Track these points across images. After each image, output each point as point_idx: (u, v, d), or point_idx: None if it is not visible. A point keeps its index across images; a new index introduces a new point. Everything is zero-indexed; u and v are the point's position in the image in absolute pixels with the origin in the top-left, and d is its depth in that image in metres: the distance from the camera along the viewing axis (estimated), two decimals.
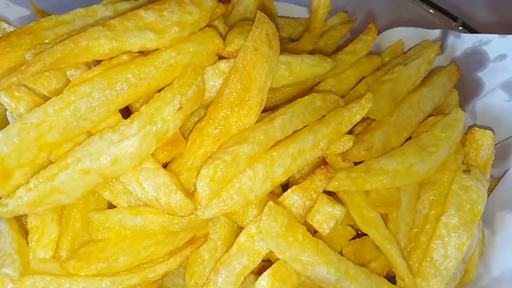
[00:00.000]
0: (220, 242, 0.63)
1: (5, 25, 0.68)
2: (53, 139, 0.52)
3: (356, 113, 0.66)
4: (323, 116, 0.67)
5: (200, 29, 0.61)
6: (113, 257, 0.54)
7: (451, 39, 0.84)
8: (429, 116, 0.79)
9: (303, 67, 0.66)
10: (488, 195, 0.78)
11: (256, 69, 0.60)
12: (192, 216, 0.56)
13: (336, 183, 0.64)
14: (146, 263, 0.58)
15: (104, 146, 0.52)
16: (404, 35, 0.89)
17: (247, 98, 0.61)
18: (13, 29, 0.67)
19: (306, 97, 0.65)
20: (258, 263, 0.59)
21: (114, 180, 0.57)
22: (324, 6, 0.77)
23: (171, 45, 0.57)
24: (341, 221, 0.59)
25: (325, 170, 0.62)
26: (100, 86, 0.53)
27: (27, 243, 0.54)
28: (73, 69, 0.57)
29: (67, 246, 0.56)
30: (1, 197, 0.52)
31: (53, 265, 0.52)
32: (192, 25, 0.58)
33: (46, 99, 0.55)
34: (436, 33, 0.86)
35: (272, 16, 0.79)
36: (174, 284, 0.69)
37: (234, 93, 0.60)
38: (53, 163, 0.53)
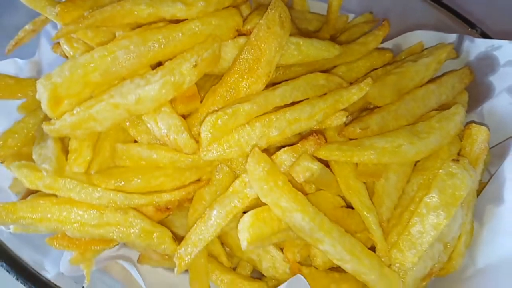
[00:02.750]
0: (220, 188, 0.75)
1: None
2: (96, 79, 0.66)
3: (354, 93, 0.75)
4: (324, 94, 0.76)
5: (224, 8, 0.73)
6: (129, 179, 0.67)
7: (466, 43, 0.90)
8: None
9: (311, 49, 0.76)
10: (481, 190, 0.82)
11: (266, 44, 0.72)
12: (196, 156, 0.67)
13: (328, 152, 0.73)
14: (156, 192, 0.70)
15: (132, 87, 0.65)
16: (424, 38, 0.96)
17: (256, 68, 0.72)
18: None
19: (310, 74, 0.75)
20: (246, 205, 0.69)
21: (139, 122, 0.71)
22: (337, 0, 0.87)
23: (197, 17, 0.70)
24: (318, 178, 0.67)
25: (316, 137, 0.71)
26: (136, 42, 0.67)
27: (66, 160, 0.69)
28: (121, 31, 0.72)
29: (96, 167, 0.70)
30: (51, 119, 0.67)
31: (82, 176, 0.66)
32: (217, 3, 0.71)
33: None
34: (453, 37, 0.92)
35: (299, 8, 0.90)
36: (182, 224, 0.81)
37: (246, 63, 0.72)
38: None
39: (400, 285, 0.72)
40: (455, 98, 0.90)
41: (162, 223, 0.80)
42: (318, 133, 0.72)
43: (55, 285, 0.65)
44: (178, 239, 0.78)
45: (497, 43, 0.85)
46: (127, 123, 0.71)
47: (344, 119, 0.74)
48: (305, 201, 0.67)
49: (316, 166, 0.65)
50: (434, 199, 0.73)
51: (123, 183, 0.67)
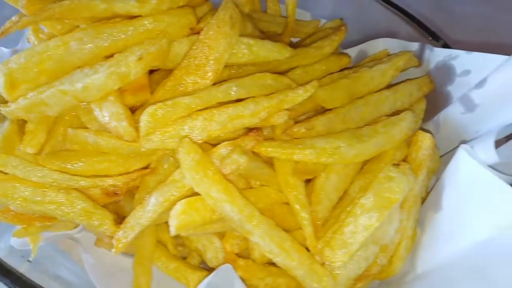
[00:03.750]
0: (165, 176, 0.78)
1: None
2: (50, 67, 0.71)
3: (299, 94, 0.77)
4: (272, 93, 0.79)
5: (179, 7, 0.77)
6: (74, 161, 0.72)
7: (427, 52, 0.91)
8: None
9: (262, 50, 0.79)
10: (426, 198, 0.83)
11: (215, 42, 0.75)
12: (136, 144, 0.72)
13: (270, 149, 0.76)
14: (101, 175, 0.75)
15: (81, 76, 0.70)
16: (388, 45, 0.97)
17: (204, 65, 0.76)
18: None
19: (258, 74, 0.78)
20: (182, 194, 0.72)
21: (90, 110, 0.75)
22: (291, 3, 0.90)
23: (151, 14, 0.75)
24: (250, 172, 0.70)
25: (256, 134, 0.74)
26: (90, 34, 0.72)
27: (20, 140, 0.74)
28: (84, 24, 0.78)
29: (48, 149, 0.75)
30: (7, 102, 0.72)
31: (29, 156, 0.71)
32: (171, 2, 0.75)
33: None
34: (415, 45, 0.93)
35: (256, 10, 0.93)
36: (131, 209, 0.85)
37: (195, 59, 0.76)
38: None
39: (330, 282, 0.74)
40: (413, 106, 0.91)
41: (115, 208, 0.85)
42: (258, 130, 0.75)
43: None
44: None
45: (454, 52, 0.86)
46: (80, 110, 0.76)
47: (286, 117, 0.76)
48: (235, 192, 0.70)
49: (243, 159, 0.68)
50: (369, 201, 0.74)
51: (68, 165, 0.72)
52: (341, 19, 1.02)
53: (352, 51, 1.01)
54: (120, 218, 0.84)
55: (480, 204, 0.69)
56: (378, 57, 0.97)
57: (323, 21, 1.06)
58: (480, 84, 0.78)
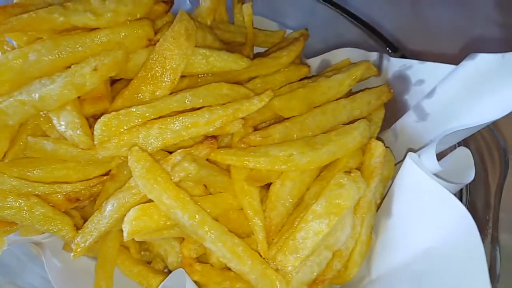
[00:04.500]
0: (124, 182, 0.81)
1: None
2: (11, 78, 0.74)
3: (253, 104, 0.79)
4: (228, 102, 0.81)
5: (137, 19, 0.80)
6: (32, 168, 0.75)
7: (385, 62, 0.93)
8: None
9: (219, 60, 0.82)
10: (380, 205, 0.85)
11: (171, 53, 0.78)
12: (92, 152, 0.74)
13: (225, 156, 0.78)
14: (61, 181, 0.77)
15: (39, 86, 0.73)
16: (351, 55, 0.99)
17: (160, 75, 0.78)
18: None
19: (214, 83, 0.81)
20: (137, 201, 0.74)
21: (51, 119, 0.78)
22: (247, 14, 0.92)
23: (109, 26, 0.77)
24: (195, 177, 0.72)
25: (210, 142, 0.77)
26: (48, 46, 0.74)
27: None
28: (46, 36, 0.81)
29: (10, 157, 0.78)
30: None
31: None
32: (127, 14, 0.78)
33: None
34: (374, 55, 0.95)
35: (223, 21, 0.96)
36: None
37: (151, 69, 0.78)
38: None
39: (283, 286, 0.76)
40: (371, 114, 0.93)
41: (81, 213, 0.88)
42: (212, 138, 0.77)
43: None
44: None
45: (409, 62, 0.88)
46: (41, 119, 0.79)
47: (240, 126, 0.79)
48: (186, 198, 0.72)
49: (192, 167, 0.70)
50: (320, 207, 0.76)
51: (28, 172, 0.74)
52: (306, 29, 1.05)
53: (316, 60, 1.03)
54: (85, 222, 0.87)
55: (424, 211, 0.71)
56: (340, 66, 0.99)
57: (289, 31, 1.08)
58: (430, 93, 0.80)
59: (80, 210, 0.88)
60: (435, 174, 0.73)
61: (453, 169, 0.73)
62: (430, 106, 0.80)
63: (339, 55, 1.01)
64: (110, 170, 0.82)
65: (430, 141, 0.83)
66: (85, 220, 0.88)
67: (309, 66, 0.94)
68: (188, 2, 1.09)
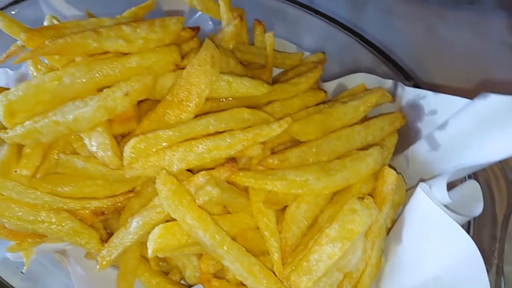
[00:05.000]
0: (148, 199, 0.85)
1: (55, 21, 0.98)
2: (46, 99, 0.79)
3: (273, 129, 0.83)
4: (249, 127, 0.85)
5: (165, 45, 0.84)
6: (63, 185, 0.79)
7: (399, 90, 0.97)
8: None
9: (241, 86, 0.86)
10: (391, 229, 0.89)
11: (197, 79, 0.82)
12: (120, 171, 0.79)
13: (244, 178, 0.82)
14: (88, 198, 0.82)
15: (72, 108, 0.77)
16: (366, 80, 1.03)
17: (186, 100, 0.82)
18: None
19: (235, 108, 0.85)
20: (161, 219, 0.79)
21: (82, 138, 0.83)
22: (269, 44, 0.96)
23: (139, 52, 0.82)
24: (223, 202, 0.76)
25: (231, 165, 0.81)
26: (82, 70, 0.79)
27: (18, 163, 0.81)
28: (80, 57, 0.85)
29: (42, 172, 0.82)
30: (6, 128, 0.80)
31: (24, 179, 0.78)
32: (157, 41, 0.82)
33: None
34: (389, 83, 0.99)
35: (244, 43, 1.00)
36: (119, 226, 0.92)
37: (178, 94, 0.82)
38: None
39: None
40: (384, 140, 0.96)
41: (104, 224, 0.92)
42: (233, 161, 0.81)
43: None
44: None
45: (423, 93, 0.91)
46: (73, 137, 0.83)
47: (260, 150, 0.83)
48: (208, 219, 0.76)
49: (216, 191, 0.74)
50: (333, 231, 0.80)
51: (59, 188, 0.79)
52: (324, 52, 1.08)
53: (332, 84, 1.07)
54: (108, 233, 0.92)
55: (433, 241, 0.75)
56: (355, 91, 1.03)
57: (306, 53, 1.12)
58: (442, 126, 0.83)
59: (103, 221, 0.93)
60: (444, 205, 0.76)
61: (462, 201, 0.77)
62: (442, 138, 0.83)
63: (354, 80, 1.05)
64: (134, 187, 0.86)
65: (441, 170, 0.87)
66: (107, 231, 0.94)
67: (326, 92, 0.98)
68: (210, 22, 1.13)
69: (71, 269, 0.92)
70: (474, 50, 1.46)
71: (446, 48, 1.49)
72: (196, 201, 0.75)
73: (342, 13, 1.56)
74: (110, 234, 0.92)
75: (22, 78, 1.10)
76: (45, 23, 0.99)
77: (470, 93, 0.80)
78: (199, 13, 1.13)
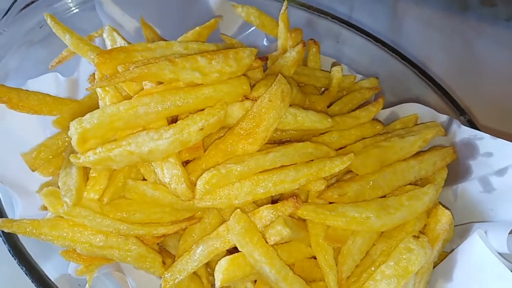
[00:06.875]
0: (209, 226, 0.88)
1: (115, 35, 0.97)
2: (119, 126, 0.79)
3: (336, 165, 0.85)
4: (311, 160, 0.87)
5: (237, 76, 0.84)
6: (133, 211, 0.81)
7: (454, 126, 0.99)
8: (410, 184, 0.95)
9: (306, 120, 0.87)
10: (437, 265, 0.93)
11: (266, 113, 0.83)
12: (190, 202, 0.80)
13: (305, 212, 0.85)
14: (154, 223, 0.84)
15: (147, 139, 0.78)
16: (419, 111, 1.05)
17: (254, 133, 0.83)
18: (120, 39, 0.95)
19: (300, 143, 0.86)
20: (225, 248, 0.82)
21: (149, 164, 0.84)
22: (336, 78, 0.97)
23: (212, 84, 0.82)
24: (289, 238, 0.79)
25: (295, 200, 0.83)
26: (156, 100, 0.79)
27: (85, 186, 0.83)
28: (150, 83, 0.85)
29: (108, 195, 0.83)
30: (77, 153, 0.80)
31: (96, 205, 0.80)
32: (230, 73, 0.82)
33: (125, 97, 0.84)
34: (444, 117, 1.00)
35: (299, 65, 1.01)
36: (174, 245, 0.95)
37: (247, 126, 0.83)
38: (116, 141, 0.80)
39: None
40: (435, 174, 0.99)
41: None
42: (297, 196, 0.83)
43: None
44: (170, 257, 0.92)
45: (480, 134, 0.93)
46: (140, 163, 0.84)
47: (323, 187, 0.85)
48: (274, 255, 0.79)
49: (286, 231, 0.77)
50: (388, 268, 0.83)
51: (127, 215, 0.81)
52: (377, 78, 1.09)
53: (385, 112, 1.09)
54: (162, 250, 0.95)
55: (485, 286, 0.79)
56: (407, 120, 1.04)
57: (358, 76, 1.12)
58: (501, 172, 0.86)
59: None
60: (499, 253, 0.80)
61: None
62: (499, 184, 0.86)
63: (407, 109, 1.06)
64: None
65: (491, 210, 0.90)
66: (158, 244, 0.96)
67: (382, 124, 0.99)
68: (265, 41, 1.12)
69: (122, 281, 0.95)
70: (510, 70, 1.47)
71: (483, 65, 1.50)
72: (268, 241, 0.77)
73: (382, 23, 1.56)
74: (163, 249, 0.95)
75: (73, 85, 1.10)
76: (105, 35, 0.98)
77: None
78: (253, 27, 1.12)
